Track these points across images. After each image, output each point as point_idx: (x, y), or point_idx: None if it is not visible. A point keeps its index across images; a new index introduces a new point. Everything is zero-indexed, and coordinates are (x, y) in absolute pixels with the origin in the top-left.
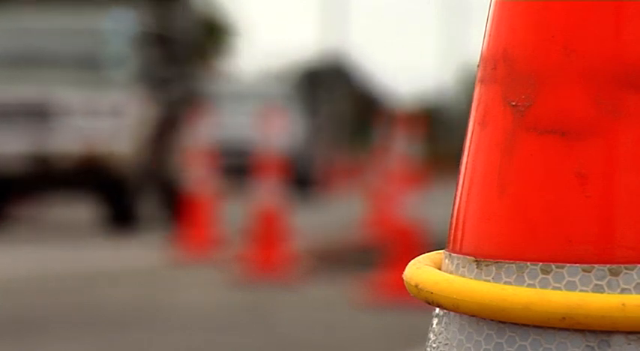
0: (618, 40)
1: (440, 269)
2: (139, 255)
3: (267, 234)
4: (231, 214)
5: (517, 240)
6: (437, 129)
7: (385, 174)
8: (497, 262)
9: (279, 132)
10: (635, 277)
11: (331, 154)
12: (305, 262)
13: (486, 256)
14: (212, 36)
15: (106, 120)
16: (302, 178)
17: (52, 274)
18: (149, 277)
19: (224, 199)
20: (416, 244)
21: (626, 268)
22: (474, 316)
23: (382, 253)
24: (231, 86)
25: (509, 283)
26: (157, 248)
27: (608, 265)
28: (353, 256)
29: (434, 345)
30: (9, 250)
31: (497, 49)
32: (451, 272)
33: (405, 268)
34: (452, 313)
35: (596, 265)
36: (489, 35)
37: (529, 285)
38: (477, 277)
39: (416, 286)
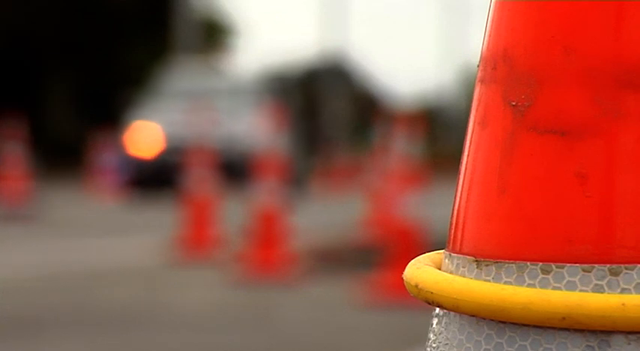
0: (618, 40)
1: (440, 269)
2: (139, 255)
3: (266, 234)
4: (231, 213)
5: (517, 240)
6: (437, 129)
7: (385, 174)
8: (497, 262)
9: (278, 131)
10: (635, 277)
11: (330, 154)
12: (305, 262)
13: (486, 256)
14: (212, 35)
15: None
16: (295, 178)
17: (52, 273)
18: (149, 277)
19: (224, 199)
20: (416, 244)
21: (626, 268)
22: (474, 316)
23: (382, 253)
24: (213, 82)
25: (510, 283)
26: (156, 248)
27: (608, 265)
28: (353, 256)
29: (434, 345)
30: (8, 250)
31: (497, 49)
32: (451, 272)
33: (405, 268)
34: (452, 313)
35: (596, 265)
36: (489, 35)
37: (529, 285)
38: (477, 277)
39: (416, 286)
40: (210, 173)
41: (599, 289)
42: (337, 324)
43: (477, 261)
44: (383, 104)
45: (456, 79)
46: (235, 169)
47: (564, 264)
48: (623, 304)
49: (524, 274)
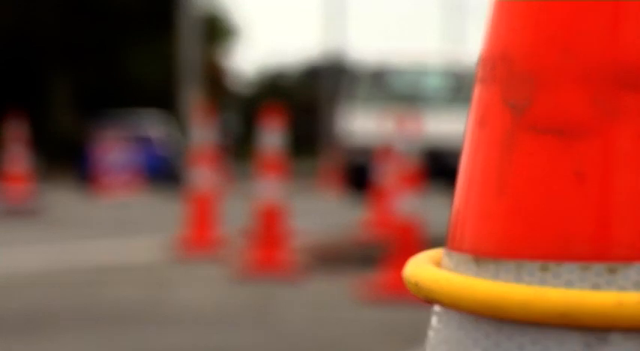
0: (617, 41)
1: (439, 267)
2: (141, 253)
3: (268, 232)
4: (233, 212)
5: (516, 238)
6: None
7: (385, 174)
8: (496, 260)
9: (280, 131)
10: (632, 275)
11: (331, 154)
12: (306, 260)
13: (485, 254)
14: (214, 35)
15: None
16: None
17: (55, 272)
18: (151, 275)
19: (226, 197)
20: (416, 242)
21: (623, 266)
22: (473, 313)
23: (382, 251)
24: None
25: (508, 281)
26: (159, 246)
27: (605, 263)
28: (353, 255)
29: (433, 342)
30: (12, 248)
31: (496, 50)
32: (450, 270)
33: (404, 266)
34: (451, 310)
35: (594, 263)
36: (489, 35)
37: (527, 283)
38: (477, 275)
39: (416, 283)
40: (213, 173)
41: (596, 287)
42: (338, 321)
43: (476, 259)
44: None
45: None
46: None
47: (562, 262)
48: (620, 302)
49: (523, 273)
